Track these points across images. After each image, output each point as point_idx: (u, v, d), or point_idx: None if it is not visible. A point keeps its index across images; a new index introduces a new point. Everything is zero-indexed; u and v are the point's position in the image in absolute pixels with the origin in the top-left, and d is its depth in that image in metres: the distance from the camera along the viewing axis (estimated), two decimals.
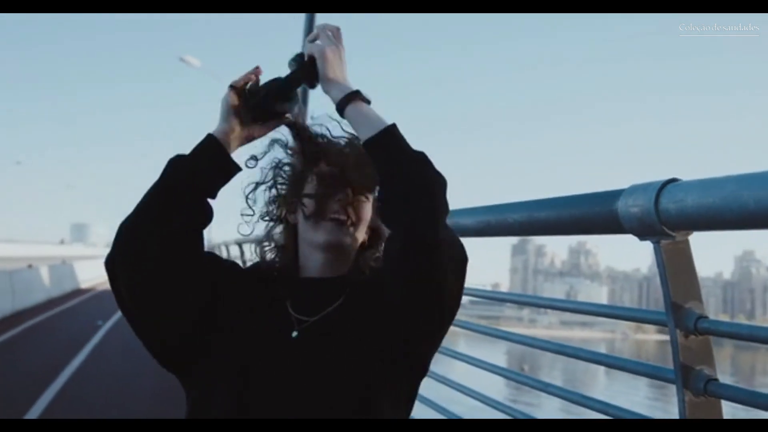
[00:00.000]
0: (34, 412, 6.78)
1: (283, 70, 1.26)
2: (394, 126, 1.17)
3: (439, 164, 1.15)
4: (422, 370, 1.23)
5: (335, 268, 1.25)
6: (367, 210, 1.27)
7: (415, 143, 1.17)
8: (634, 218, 1.27)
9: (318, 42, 1.22)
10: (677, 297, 1.28)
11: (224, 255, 9.08)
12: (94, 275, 26.16)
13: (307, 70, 1.23)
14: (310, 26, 7.72)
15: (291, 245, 1.28)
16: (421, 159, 1.15)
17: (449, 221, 1.97)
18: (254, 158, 1.28)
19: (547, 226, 1.59)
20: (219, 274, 1.26)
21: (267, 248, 1.30)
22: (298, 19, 8.16)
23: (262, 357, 1.17)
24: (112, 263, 1.17)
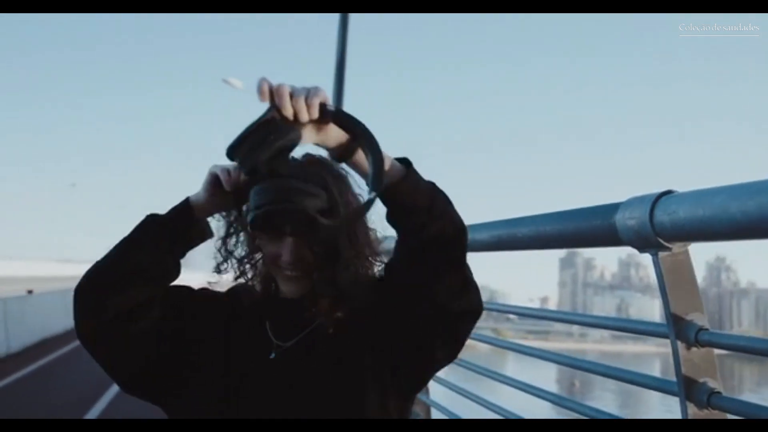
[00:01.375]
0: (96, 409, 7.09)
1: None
2: (410, 162, 1.09)
3: (452, 180, 1.10)
4: (419, 385, 1.23)
5: (306, 288, 1.21)
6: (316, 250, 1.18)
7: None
8: (631, 231, 1.28)
9: (306, 92, 1.03)
10: (677, 309, 1.28)
11: None
12: None
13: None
14: (343, 30, 7.70)
15: (264, 268, 1.25)
16: (445, 198, 1.11)
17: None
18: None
19: (554, 239, 1.60)
20: (189, 305, 1.24)
21: (241, 268, 1.26)
22: (331, 42, 8.19)
23: (240, 381, 1.16)
24: (75, 311, 1.18)
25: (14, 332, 11.58)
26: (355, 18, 8.12)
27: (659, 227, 1.21)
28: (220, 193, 1.17)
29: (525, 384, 1.92)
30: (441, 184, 1.12)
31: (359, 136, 1.04)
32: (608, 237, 1.37)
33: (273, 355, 1.18)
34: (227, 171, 1.14)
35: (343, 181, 1.19)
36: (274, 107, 1.01)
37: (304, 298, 1.21)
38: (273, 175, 1.07)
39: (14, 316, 11.67)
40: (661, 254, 1.27)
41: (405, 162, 1.09)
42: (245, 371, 1.17)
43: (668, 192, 1.23)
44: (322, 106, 1.02)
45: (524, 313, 2.14)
